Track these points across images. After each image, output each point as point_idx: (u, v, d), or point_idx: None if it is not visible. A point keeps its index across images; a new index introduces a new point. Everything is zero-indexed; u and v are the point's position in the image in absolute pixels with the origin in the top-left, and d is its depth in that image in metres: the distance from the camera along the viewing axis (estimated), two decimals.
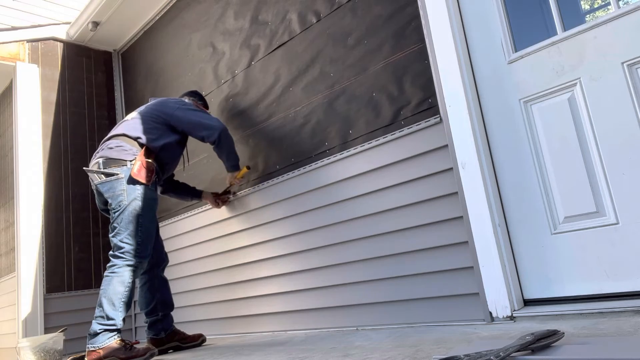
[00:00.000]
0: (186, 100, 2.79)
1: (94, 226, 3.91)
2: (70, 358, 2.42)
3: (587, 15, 2.09)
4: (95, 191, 2.50)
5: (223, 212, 3.08)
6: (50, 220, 3.70)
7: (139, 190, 2.36)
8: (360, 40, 2.37)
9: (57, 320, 3.51)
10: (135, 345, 2.21)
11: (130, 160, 2.39)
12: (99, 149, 2.51)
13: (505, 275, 1.82)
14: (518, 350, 1.07)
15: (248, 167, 2.84)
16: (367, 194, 2.28)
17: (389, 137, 2.20)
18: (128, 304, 2.27)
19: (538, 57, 1.86)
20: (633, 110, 1.63)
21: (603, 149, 1.69)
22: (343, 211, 2.38)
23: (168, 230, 3.56)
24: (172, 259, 3.48)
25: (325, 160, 2.47)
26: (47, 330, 3.42)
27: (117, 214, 2.33)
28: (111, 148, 2.44)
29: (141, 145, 2.46)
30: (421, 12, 2.12)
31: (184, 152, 2.92)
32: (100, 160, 2.41)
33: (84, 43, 4.23)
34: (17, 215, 3.62)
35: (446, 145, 2.01)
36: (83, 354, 2.38)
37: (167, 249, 3.55)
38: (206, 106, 2.97)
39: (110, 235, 2.35)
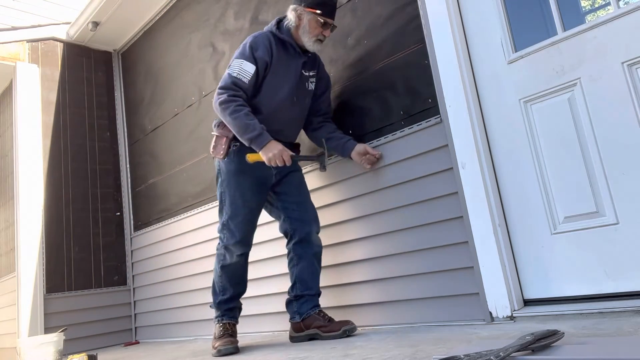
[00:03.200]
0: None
1: (94, 226, 3.91)
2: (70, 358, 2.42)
3: (587, 15, 2.09)
4: None
5: None
6: (50, 220, 3.70)
7: (219, 167, 2.26)
8: (360, 40, 2.37)
9: (57, 320, 3.51)
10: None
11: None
12: None
13: (505, 275, 1.82)
14: (518, 350, 1.07)
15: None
16: (367, 193, 2.28)
17: (390, 137, 2.20)
18: (223, 287, 2.25)
19: (538, 57, 1.86)
20: (633, 110, 1.63)
21: (603, 148, 1.69)
22: (342, 211, 2.38)
23: (168, 230, 3.56)
24: (173, 259, 3.49)
25: (327, 160, 2.46)
26: (47, 330, 3.42)
27: None
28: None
29: None
30: (421, 12, 2.12)
31: (292, 89, 2.23)
32: None
33: (84, 43, 4.23)
34: (17, 215, 3.62)
35: (446, 145, 2.01)
36: (83, 353, 2.38)
37: (166, 249, 3.56)
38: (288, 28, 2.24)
39: None
